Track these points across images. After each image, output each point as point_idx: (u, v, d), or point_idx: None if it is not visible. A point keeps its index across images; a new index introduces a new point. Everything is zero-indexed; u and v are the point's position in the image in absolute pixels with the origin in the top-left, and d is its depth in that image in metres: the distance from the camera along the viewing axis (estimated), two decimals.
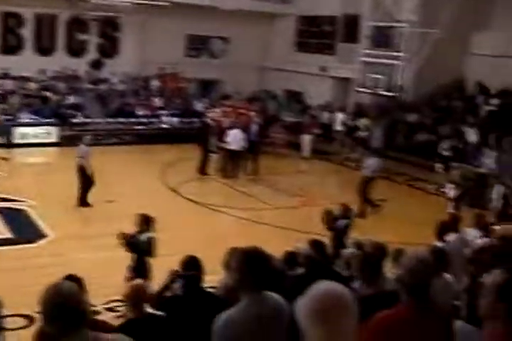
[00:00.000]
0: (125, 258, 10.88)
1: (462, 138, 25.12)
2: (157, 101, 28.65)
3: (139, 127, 27.17)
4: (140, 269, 10.77)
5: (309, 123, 26.93)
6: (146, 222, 10.86)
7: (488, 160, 21.49)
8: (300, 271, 7.81)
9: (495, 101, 27.04)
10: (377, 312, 3.88)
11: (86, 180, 16.97)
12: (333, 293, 2.78)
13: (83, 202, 17.05)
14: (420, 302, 3.96)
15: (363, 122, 26.73)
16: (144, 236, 10.74)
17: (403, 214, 17.94)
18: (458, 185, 15.89)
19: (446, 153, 21.81)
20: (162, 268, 7.89)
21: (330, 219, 12.81)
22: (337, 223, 12.70)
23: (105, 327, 5.37)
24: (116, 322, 6.60)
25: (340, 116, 27.52)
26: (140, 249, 10.69)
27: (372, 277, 5.75)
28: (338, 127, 27.37)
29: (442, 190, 18.51)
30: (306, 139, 25.97)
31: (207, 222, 16.48)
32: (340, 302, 2.75)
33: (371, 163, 18.34)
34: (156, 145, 25.55)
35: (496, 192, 17.77)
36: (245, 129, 22.51)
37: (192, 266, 6.54)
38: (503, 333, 3.30)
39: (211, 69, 30.44)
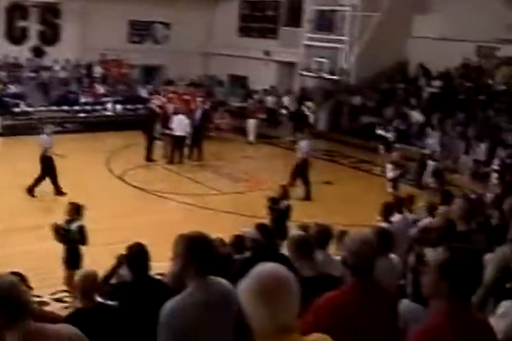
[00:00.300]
0: None
1: (406, 120, 25.45)
2: (100, 88, 28.30)
3: (83, 115, 26.84)
4: (72, 259, 10.67)
5: (254, 107, 26.93)
6: (76, 210, 10.71)
7: (431, 141, 21.81)
8: (247, 254, 7.84)
9: (437, 83, 27.41)
10: (317, 293, 3.91)
11: (51, 171, 16.84)
12: (275, 273, 2.78)
13: (58, 191, 16.98)
14: (365, 283, 4.00)
15: (308, 105, 26.83)
16: (74, 226, 10.61)
17: (349, 196, 18.10)
18: (397, 166, 16.12)
19: (388, 135, 22.02)
20: (111, 256, 7.84)
21: (270, 202, 12.91)
22: (279, 205, 12.78)
23: (52, 318, 5.30)
24: (65, 313, 6.54)
25: (285, 100, 27.60)
26: (71, 238, 10.57)
27: (311, 259, 5.77)
28: (283, 111, 27.45)
29: (377, 169, 18.86)
30: (252, 124, 25.97)
31: (154, 209, 16.39)
32: (282, 283, 2.75)
33: (303, 145, 18.46)
34: (100, 132, 25.26)
35: (429, 169, 18.07)
36: (190, 115, 22.44)
37: (139, 253, 6.49)
38: (446, 311, 3.35)
39: (155, 55, 30.16)
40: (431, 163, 18.08)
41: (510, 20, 26.07)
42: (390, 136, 21.90)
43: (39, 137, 17.33)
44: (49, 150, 16.86)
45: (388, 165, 16.54)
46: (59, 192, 16.96)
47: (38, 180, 16.88)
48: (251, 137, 25.89)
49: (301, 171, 18.13)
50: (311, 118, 26.30)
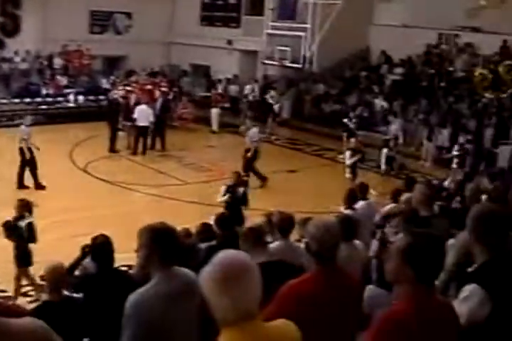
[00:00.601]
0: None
1: (369, 107, 25.60)
2: (62, 80, 28.01)
3: (45, 107, 26.52)
4: (22, 257, 10.58)
5: (217, 96, 26.87)
6: (25, 207, 10.59)
7: (393, 128, 21.98)
8: (214, 242, 7.86)
9: (398, 70, 27.59)
10: (270, 279, 3.91)
11: (29, 162, 16.87)
12: (236, 260, 2.79)
13: (38, 185, 17.04)
14: (328, 270, 4.02)
15: (271, 94, 26.84)
16: (23, 223, 10.49)
17: (313, 184, 18.16)
18: (355, 153, 16.26)
19: (349, 123, 22.14)
20: (75, 248, 7.79)
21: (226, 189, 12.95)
22: (235, 192, 12.80)
23: (18, 312, 5.26)
24: (30, 307, 6.50)
25: (246, 89, 27.56)
26: (20, 235, 10.46)
27: (263, 246, 5.79)
28: (246, 100, 27.43)
29: (341, 157, 18.99)
30: (215, 113, 25.93)
31: (118, 200, 16.32)
32: (243, 270, 2.76)
33: (251, 134, 18.55)
34: (63, 124, 25.02)
35: (382, 156, 18.22)
36: (152, 105, 22.34)
37: (103, 245, 6.46)
38: (410, 296, 3.39)
39: (116, 46, 29.92)
40: (384, 150, 18.24)
41: (470, 7, 26.29)
42: (350, 123, 22.00)
43: (18, 128, 17.36)
44: (28, 141, 16.96)
45: (347, 151, 16.66)
46: (38, 185, 17.02)
47: (21, 173, 16.93)
48: (214, 126, 25.83)
49: (249, 160, 18.23)
50: (275, 107, 26.30)
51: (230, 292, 2.71)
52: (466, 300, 3.82)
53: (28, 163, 16.99)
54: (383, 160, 18.13)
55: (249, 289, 2.76)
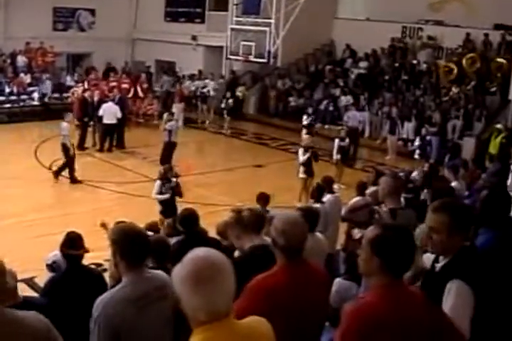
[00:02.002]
0: None
1: (334, 101, 25.71)
2: (26, 78, 27.69)
3: (9, 105, 26.20)
4: None
5: (180, 92, 26.80)
6: None
7: (350, 118, 22.16)
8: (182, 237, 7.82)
9: (363, 64, 27.72)
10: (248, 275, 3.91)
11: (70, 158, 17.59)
12: (208, 259, 2.77)
13: (73, 179, 17.55)
14: (295, 263, 4.02)
15: (240, 90, 26.88)
16: None
17: (280, 178, 18.19)
18: (306, 150, 16.25)
19: (306, 119, 22.23)
20: (45, 247, 7.72)
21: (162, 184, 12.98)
22: (169, 184, 12.81)
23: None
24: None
25: (211, 84, 27.51)
26: None
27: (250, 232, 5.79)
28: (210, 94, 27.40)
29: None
30: (178, 108, 25.89)
31: (85, 198, 16.20)
32: (216, 269, 2.74)
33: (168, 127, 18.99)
34: (28, 122, 24.75)
35: (335, 146, 18.30)
36: (118, 102, 22.19)
37: (73, 244, 6.38)
38: (380, 288, 3.40)
39: (81, 43, 29.65)
40: (336, 141, 18.32)
41: (431, 1, 26.53)
42: (307, 120, 22.07)
43: (59, 124, 18.02)
44: (67, 137, 17.66)
45: (300, 149, 16.62)
46: (73, 180, 17.65)
47: (70, 168, 17.69)
48: (179, 122, 25.75)
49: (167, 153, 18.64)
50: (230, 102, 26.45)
51: (202, 292, 2.70)
52: (455, 301, 3.82)
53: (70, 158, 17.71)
54: (335, 150, 18.18)
55: (222, 289, 2.74)
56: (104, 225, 8.97)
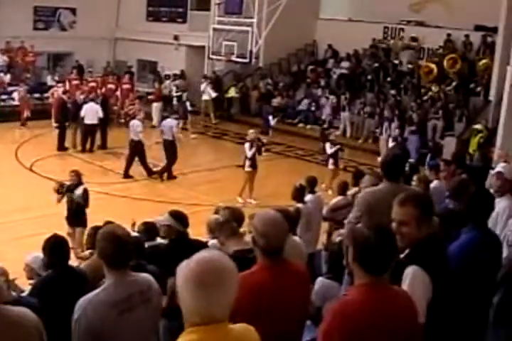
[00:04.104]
0: None
1: (316, 101, 25.76)
2: (6, 78, 27.51)
3: None
4: None
5: (158, 91, 26.77)
6: None
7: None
8: (158, 241, 7.77)
9: (345, 64, 27.80)
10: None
11: (139, 154, 18.45)
12: (216, 265, 2.74)
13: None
14: (275, 263, 4.02)
15: (231, 90, 26.89)
16: None
17: (262, 179, 18.19)
18: (252, 144, 16.38)
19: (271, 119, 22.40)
20: (29, 249, 7.66)
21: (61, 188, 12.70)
22: (75, 192, 12.53)
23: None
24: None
25: (203, 85, 27.43)
26: None
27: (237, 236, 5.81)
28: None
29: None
30: (155, 108, 25.92)
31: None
32: (221, 277, 2.71)
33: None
34: (8, 123, 24.54)
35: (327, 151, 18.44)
36: (101, 102, 22.14)
37: (58, 245, 6.32)
38: (360, 286, 3.43)
39: (62, 42, 29.47)
40: (327, 145, 18.45)
41: (413, 2, 26.67)
42: (272, 120, 22.23)
43: (131, 122, 18.78)
44: (139, 134, 18.33)
45: (246, 143, 16.77)
46: (150, 172, 18.65)
47: (144, 163, 18.55)
48: (154, 121, 25.83)
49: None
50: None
51: (200, 296, 2.68)
52: (411, 285, 3.87)
53: (138, 153, 18.39)
54: (328, 155, 18.36)
55: (222, 295, 2.72)
56: (134, 225, 8.89)
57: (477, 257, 4.56)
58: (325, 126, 22.71)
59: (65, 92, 23.01)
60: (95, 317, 3.97)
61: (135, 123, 18.74)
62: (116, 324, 4.02)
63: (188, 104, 24.74)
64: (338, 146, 18.06)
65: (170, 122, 18.83)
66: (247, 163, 16.37)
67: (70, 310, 4.17)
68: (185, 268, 2.73)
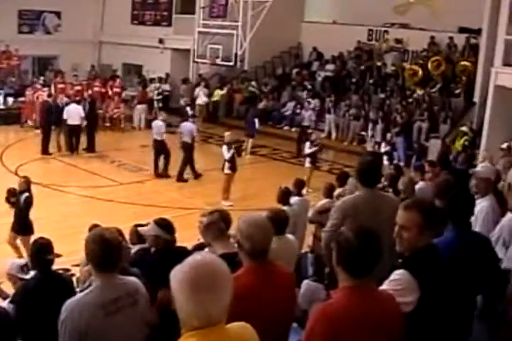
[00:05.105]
0: None
1: (301, 104, 25.78)
2: None
3: None
4: None
5: (141, 94, 26.79)
6: None
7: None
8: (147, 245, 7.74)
9: (330, 66, 27.86)
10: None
11: (164, 152, 18.82)
12: (211, 267, 2.74)
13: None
14: (260, 265, 4.04)
15: (216, 93, 26.84)
16: None
17: (246, 181, 18.23)
18: (230, 146, 16.42)
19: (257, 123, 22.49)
20: (12, 254, 7.63)
21: (9, 195, 12.57)
22: (20, 199, 12.39)
23: None
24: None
25: (197, 90, 27.44)
26: None
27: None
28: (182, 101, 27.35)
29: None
30: (138, 110, 26.02)
31: (52, 203, 15.96)
32: (217, 279, 2.72)
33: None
34: None
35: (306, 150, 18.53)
36: (89, 105, 22.23)
37: (44, 250, 6.29)
38: (345, 288, 3.44)
39: (47, 46, 29.32)
40: (306, 145, 18.53)
41: (397, 4, 26.77)
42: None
43: (155, 122, 19.16)
44: (163, 135, 18.77)
45: (223, 146, 16.83)
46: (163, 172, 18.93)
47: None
48: (135, 123, 25.91)
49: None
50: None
51: (198, 299, 2.68)
52: (391, 282, 3.90)
53: (163, 152, 18.87)
54: (306, 154, 18.47)
55: (219, 297, 2.72)
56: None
57: (455, 257, 4.58)
58: (307, 126, 22.67)
59: (49, 96, 22.91)
60: (82, 318, 3.98)
61: (158, 124, 19.04)
62: (103, 325, 4.03)
63: (188, 108, 24.79)
64: (317, 147, 18.12)
65: (189, 126, 19.07)
66: (226, 165, 16.39)
67: (54, 313, 4.17)
68: (179, 273, 2.72)
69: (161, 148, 18.87)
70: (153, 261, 6.79)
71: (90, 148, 21.69)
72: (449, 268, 4.13)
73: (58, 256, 6.38)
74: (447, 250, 4.40)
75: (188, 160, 18.72)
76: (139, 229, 7.67)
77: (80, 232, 4.31)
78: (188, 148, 18.73)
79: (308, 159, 17.90)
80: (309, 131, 20.56)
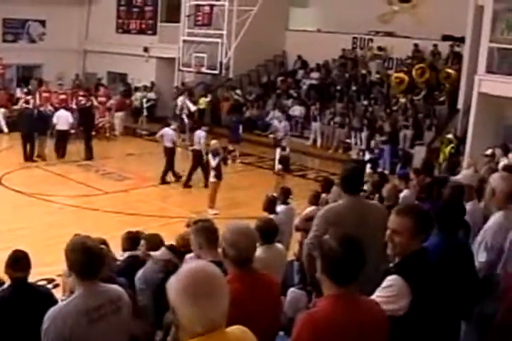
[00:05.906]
0: None
1: (286, 112, 25.83)
2: None
3: None
4: None
5: (120, 101, 26.80)
6: None
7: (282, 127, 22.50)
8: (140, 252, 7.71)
9: (315, 75, 27.96)
10: None
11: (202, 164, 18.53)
12: (207, 273, 2.76)
13: (178, 177, 19.09)
14: (245, 273, 4.06)
15: (201, 101, 26.83)
16: None
17: (235, 189, 18.24)
18: (215, 154, 16.48)
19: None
20: None
21: None
22: None
23: None
24: None
25: (180, 99, 27.40)
26: None
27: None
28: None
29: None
30: (117, 118, 26.10)
31: (37, 213, 15.88)
32: (214, 283, 2.74)
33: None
34: None
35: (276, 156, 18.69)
36: (81, 112, 22.66)
37: (17, 264, 6.18)
38: (329, 297, 3.45)
39: (31, 54, 29.27)
40: (277, 151, 18.72)
41: (381, 12, 26.91)
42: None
43: (197, 132, 19.09)
44: (202, 145, 18.64)
45: (209, 154, 16.88)
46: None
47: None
48: (117, 131, 26.03)
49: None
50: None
51: (199, 305, 2.68)
52: (385, 289, 3.91)
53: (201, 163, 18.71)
54: (277, 159, 18.64)
55: (218, 302, 2.73)
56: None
57: (442, 260, 4.61)
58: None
59: (27, 102, 23.04)
60: (66, 326, 3.97)
61: (201, 134, 18.88)
62: (87, 333, 4.01)
63: (184, 116, 24.82)
64: (286, 152, 18.37)
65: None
66: (212, 173, 16.40)
67: (31, 327, 4.15)
68: (176, 282, 2.74)
69: (199, 158, 18.75)
70: (160, 283, 6.72)
71: (89, 155, 21.70)
72: (437, 271, 4.16)
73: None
74: (434, 254, 4.44)
75: (169, 164, 18.88)
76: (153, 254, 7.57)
77: (65, 242, 4.27)
78: (169, 153, 18.93)
79: (279, 166, 18.09)
80: (280, 137, 20.94)
